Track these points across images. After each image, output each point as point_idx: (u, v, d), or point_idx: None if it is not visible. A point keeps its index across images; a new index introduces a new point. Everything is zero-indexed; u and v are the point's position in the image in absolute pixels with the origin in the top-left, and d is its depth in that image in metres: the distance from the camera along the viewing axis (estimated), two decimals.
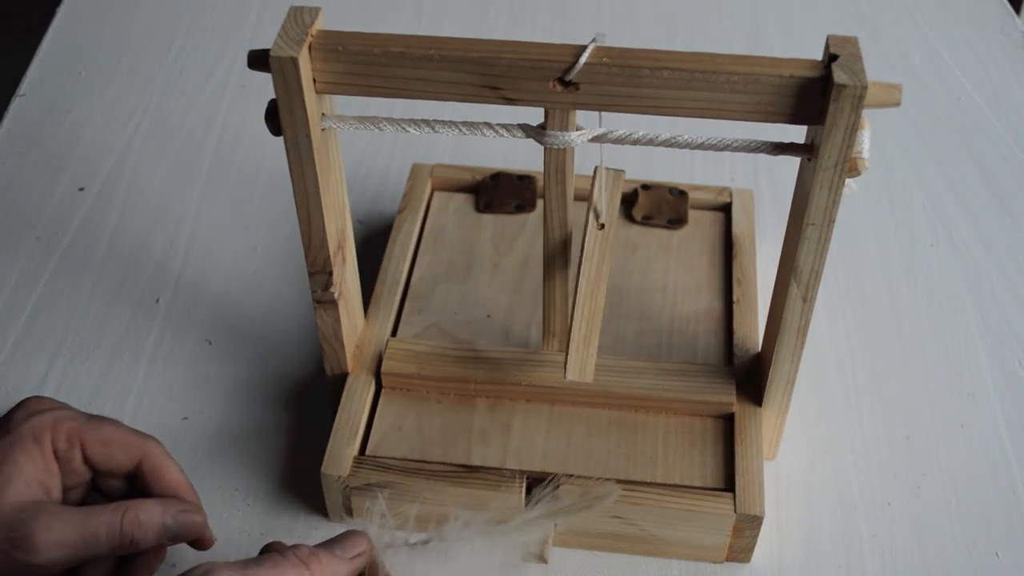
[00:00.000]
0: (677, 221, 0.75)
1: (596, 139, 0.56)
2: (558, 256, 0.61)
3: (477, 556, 0.55)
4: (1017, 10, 1.12)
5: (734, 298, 0.70)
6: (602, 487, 0.58)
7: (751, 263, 0.72)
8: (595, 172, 0.60)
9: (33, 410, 0.54)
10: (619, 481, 0.61)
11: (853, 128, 0.51)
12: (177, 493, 0.56)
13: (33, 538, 0.50)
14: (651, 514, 0.60)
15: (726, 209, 0.77)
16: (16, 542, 0.50)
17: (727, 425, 0.64)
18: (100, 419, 0.55)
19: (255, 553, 0.56)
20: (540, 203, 0.77)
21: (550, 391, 0.65)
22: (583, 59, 0.52)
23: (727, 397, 0.64)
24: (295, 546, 0.51)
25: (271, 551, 0.51)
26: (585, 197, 0.63)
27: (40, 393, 0.70)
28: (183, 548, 0.60)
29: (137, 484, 0.56)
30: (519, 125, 0.56)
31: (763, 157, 0.82)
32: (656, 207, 0.76)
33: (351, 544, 0.53)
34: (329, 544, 0.53)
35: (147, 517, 0.52)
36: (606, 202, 0.61)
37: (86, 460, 0.54)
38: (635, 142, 0.55)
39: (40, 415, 0.54)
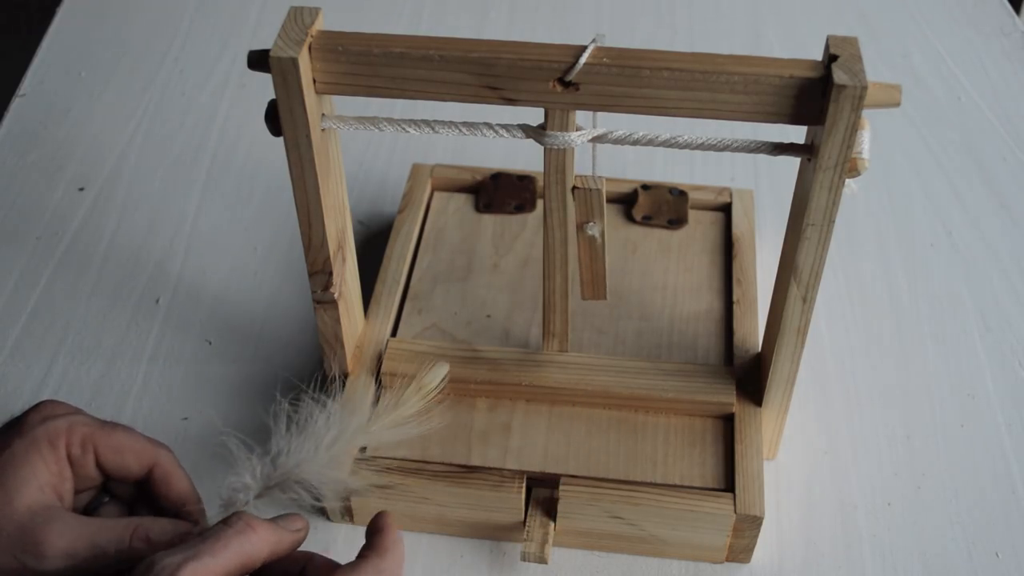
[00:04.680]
0: (677, 221, 0.75)
1: (596, 139, 0.56)
2: (558, 256, 0.61)
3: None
4: (1017, 10, 1.12)
5: (734, 298, 0.70)
6: (431, 369, 0.61)
7: (751, 263, 0.72)
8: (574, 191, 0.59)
9: (48, 414, 0.54)
10: (619, 481, 0.61)
11: (853, 128, 0.51)
12: (184, 502, 0.56)
13: (43, 544, 0.50)
14: (651, 514, 0.60)
15: (726, 209, 0.77)
16: (27, 546, 0.50)
17: (727, 425, 0.64)
18: (114, 425, 0.55)
19: None
20: (540, 203, 0.77)
21: (550, 391, 0.65)
22: (583, 59, 0.52)
23: (727, 397, 0.64)
24: (237, 513, 0.51)
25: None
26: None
27: (40, 393, 0.71)
28: None
29: (146, 490, 0.56)
30: (519, 125, 0.56)
31: (763, 157, 0.82)
32: (656, 207, 0.76)
33: (292, 519, 0.53)
34: (272, 519, 0.53)
35: (157, 537, 0.52)
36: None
37: (99, 465, 0.55)
38: (635, 142, 0.55)
39: (55, 420, 0.54)
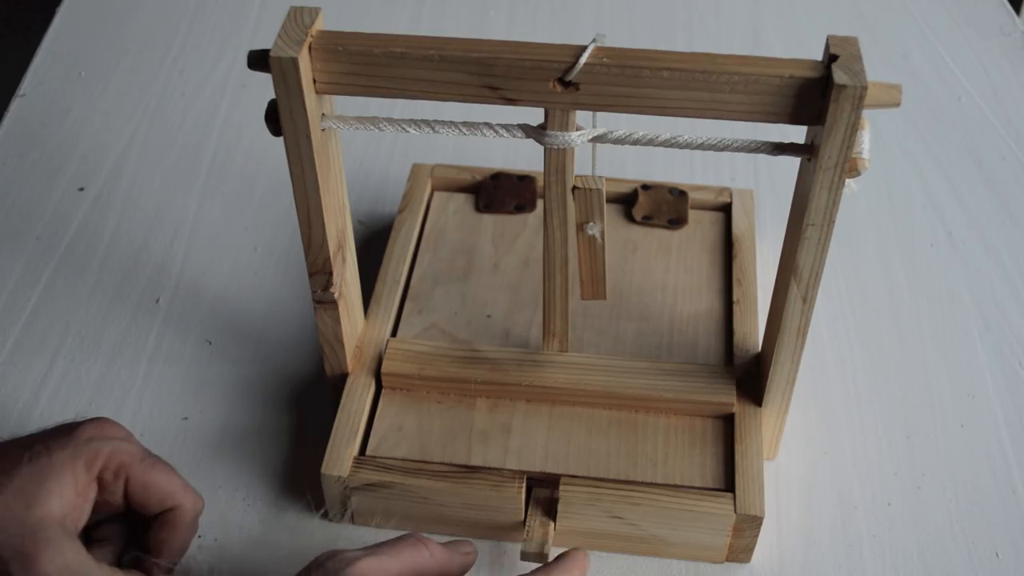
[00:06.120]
0: (677, 221, 0.75)
1: (596, 139, 0.56)
2: (558, 256, 0.61)
3: None
4: (1017, 10, 1.12)
5: (734, 298, 0.70)
6: None
7: (751, 263, 0.72)
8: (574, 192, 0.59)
9: (97, 435, 0.55)
10: (619, 481, 0.61)
11: (853, 128, 0.51)
12: (159, 555, 0.56)
13: (34, 562, 0.50)
14: (651, 514, 0.60)
15: (726, 209, 0.77)
16: (19, 555, 0.50)
17: (727, 425, 0.64)
18: (154, 462, 0.56)
19: (256, 552, 0.56)
20: (540, 203, 0.77)
21: (550, 391, 0.65)
22: (583, 59, 0.52)
23: (727, 397, 0.64)
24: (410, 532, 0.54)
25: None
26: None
27: (40, 393, 0.71)
28: None
29: (146, 519, 0.56)
30: (519, 125, 0.56)
31: (763, 157, 0.82)
32: (656, 207, 0.76)
33: (462, 544, 0.57)
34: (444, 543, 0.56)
35: None
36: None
37: (127, 495, 0.55)
38: (635, 142, 0.55)
39: (101, 442, 0.54)
